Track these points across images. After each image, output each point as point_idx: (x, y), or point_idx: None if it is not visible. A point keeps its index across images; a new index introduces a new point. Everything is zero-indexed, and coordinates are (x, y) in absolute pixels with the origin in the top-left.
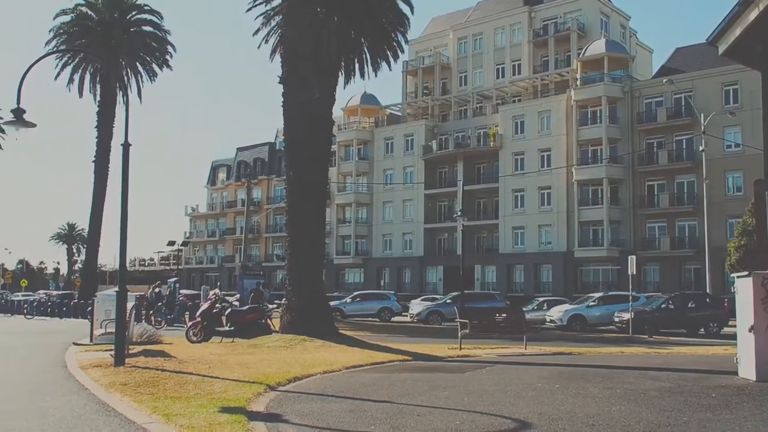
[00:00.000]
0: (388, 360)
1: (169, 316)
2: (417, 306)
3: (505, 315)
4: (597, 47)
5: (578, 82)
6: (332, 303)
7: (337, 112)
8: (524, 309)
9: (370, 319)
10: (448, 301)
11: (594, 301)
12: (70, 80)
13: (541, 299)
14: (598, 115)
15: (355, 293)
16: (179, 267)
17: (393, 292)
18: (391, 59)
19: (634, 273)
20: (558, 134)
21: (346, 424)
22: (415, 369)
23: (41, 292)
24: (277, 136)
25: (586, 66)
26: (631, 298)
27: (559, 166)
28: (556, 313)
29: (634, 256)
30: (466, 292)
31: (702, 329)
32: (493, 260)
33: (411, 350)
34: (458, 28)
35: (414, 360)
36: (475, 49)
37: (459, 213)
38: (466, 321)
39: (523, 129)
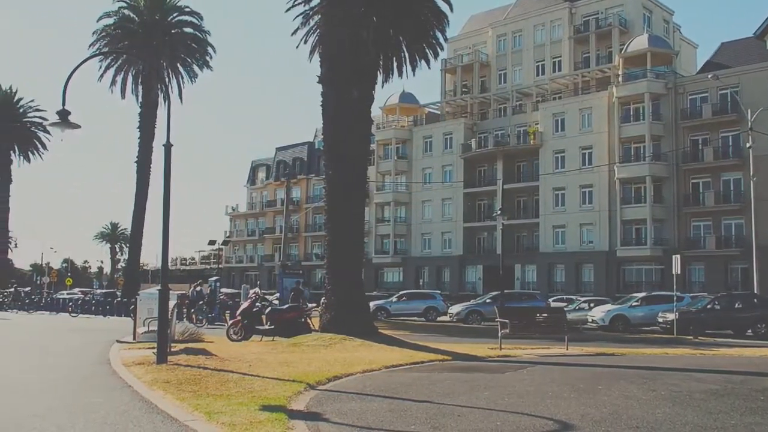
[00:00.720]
0: (428, 359)
1: (210, 315)
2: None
3: (545, 315)
4: (639, 43)
5: (620, 79)
6: (377, 302)
7: (375, 111)
8: (565, 309)
9: (415, 318)
10: (488, 300)
11: (637, 301)
12: (113, 82)
13: (582, 299)
14: (641, 111)
15: (401, 292)
16: (220, 266)
17: (439, 291)
18: (430, 57)
19: (678, 273)
20: (599, 131)
21: (386, 424)
22: (454, 369)
23: (77, 290)
24: (316, 135)
25: (629, 62)
26: (675, 298)
27: (600, 164)
28: (598, 313)
29: (678, 256)
30: (506, 291)
31: (749, 330)
32: (534, 259)
33: (451, 350)
34: (497, 25)
35: (454, 360)
36: (514, 46)
37: (499, 212)
38: (506, 321)
39: (564, 126)
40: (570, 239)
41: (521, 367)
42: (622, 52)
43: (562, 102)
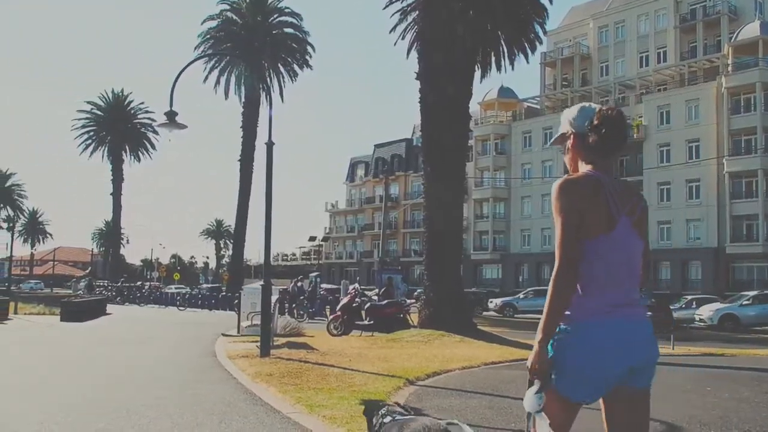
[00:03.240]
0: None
1: (310, 310)
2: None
3: (650, 313)
4: (750, 30)
5: (729, 68)
6: (505, 299)
7: (473, 106)
8: (671, 307)
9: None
10: None
11: (748, 299)
12: (217, 83)
13: (689, 297)
14: (752, 102)
15: (529, 289)
16: (320, 262)
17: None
18: (529, 51)
19: None
20: (707, 124)
21: (486, 421)
22: None
23: (172, 287)
24: (414, 132)
25: (739, 51)
26: None
27: (708, 157)
28: (706, 311)
29: None
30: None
31: None
32: None
33: None
34: (599, 16)
35: None
36: (616, 37)
37: None
38: None
39: (669, 119)
40: (676, 235)
41: None
42: (732, 40)
43: (667, 94)
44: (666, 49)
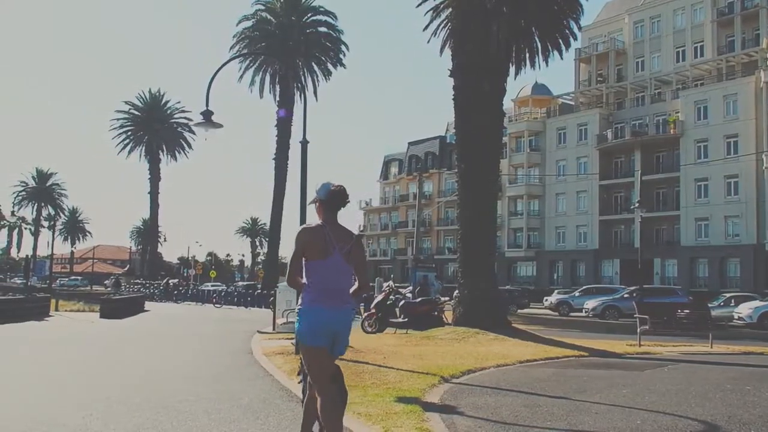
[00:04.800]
0: (563, 355)
1: None
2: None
3: (687, 311)
4: None
5: None
6: (560, 296)
7: (507, 103)
8: (709, 305)
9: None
10: (626, 295)
11: None
12: (252, 82)
13: (728, 295)
14: None
15: (584, 287)
16: None
17: (623, 286)
18: (563, 47)
19: None
20: (746, 119)
21: (521, 419)
22: (591, 365)
23: (208, 284)
24: (447, 129)
25: None
26: None
27: (747, 152)
28: (746, 309)
29: None
30: (645, 286)
31: None
32: (674, 253)
33: (586, 345)
34: (634, 11)
35: (590, 356)
36: (652, 32)
37: (637, 204)
38: (646, 317)
39: (707, 114)
40: (714, 232)
41: (662, 365)
42: None
43: (704, 89)
44: (703, 43)
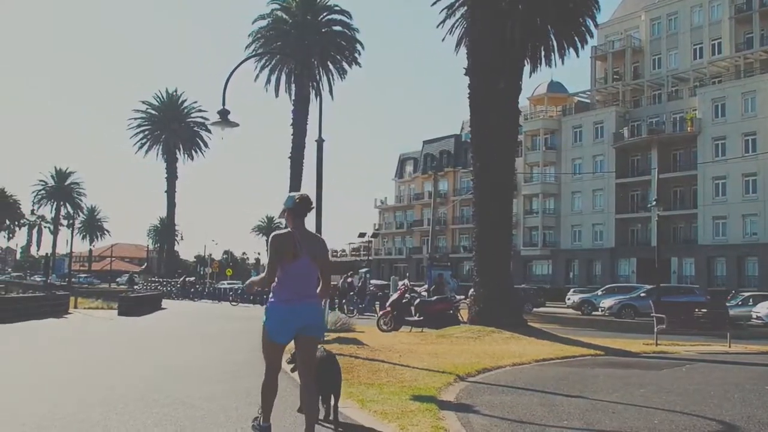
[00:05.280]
0: (579, 354)
1: (360, 305)
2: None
3: (705, 310)
4: None
5: None
6: (583, 296)
7: (522, 101)
8: (727, 304)
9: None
10: (642, 294)
11: None
12: (268, 81)
13: (746, 294)
14: None
15: (607, 286)
16: (369, 258)
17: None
18: (579, 45)
19: None
20: (765, 116)
21: (537, 418)
22: (607, 364)
23: (224, 282)
24: (462, 127)
25: None
26: None
27: (766, 150)
28: (764, 309)
29: None
30: (662, 285)
31: None
32: (692, 252)
33: (603, 345)
34: (651, 8)
35: (606, 355)
36: (669, 29)
37: (654, 202)
38: (663, 316)
39: (724, 112)
40: (732, 231)
41: (679, 365)
42: None
43: (722, 86)
44: (721, 40)
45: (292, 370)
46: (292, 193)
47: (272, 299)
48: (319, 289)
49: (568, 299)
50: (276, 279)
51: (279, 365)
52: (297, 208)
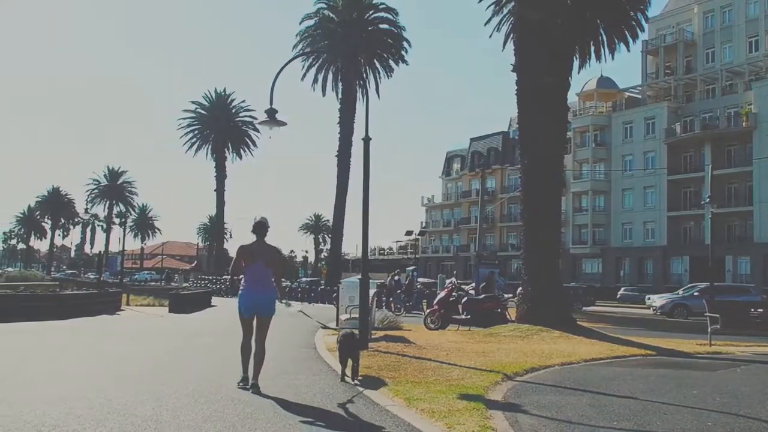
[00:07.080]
0: (630, 354)
1: (407, 303)
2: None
3: (761, 310)
4: None
5: None
6: (673, 297)
7: (571, 97)
8: None
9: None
10: (696, 293)
11: None
12: (315, 80)
13: None
14: None
15: (703, 286)
16: (416, 256)
17: (753, 285)
18: (630, 40)
19: None
20: None
21: (586, 419)
22: (659, 364)
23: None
24: (510, 124)
25: None
26: None
27: None
28: None
29: None
30: (716, 284)
31: None
32: (747, 250)
33: (654, 344)
34: (704, 1)
35: (658, 355)
36: (723, 22)
37: (707, 199)
38: (716, 315)
39: None
40: None
41: (734, 365)
42: None
43: None
44: None
45: (336, 349)
46: (255, 216)
47: (241, 289)
48: (273, 280)
49: (651, 303)
50: (243, 275)
51: (250, 332)
52: (254, 229)
